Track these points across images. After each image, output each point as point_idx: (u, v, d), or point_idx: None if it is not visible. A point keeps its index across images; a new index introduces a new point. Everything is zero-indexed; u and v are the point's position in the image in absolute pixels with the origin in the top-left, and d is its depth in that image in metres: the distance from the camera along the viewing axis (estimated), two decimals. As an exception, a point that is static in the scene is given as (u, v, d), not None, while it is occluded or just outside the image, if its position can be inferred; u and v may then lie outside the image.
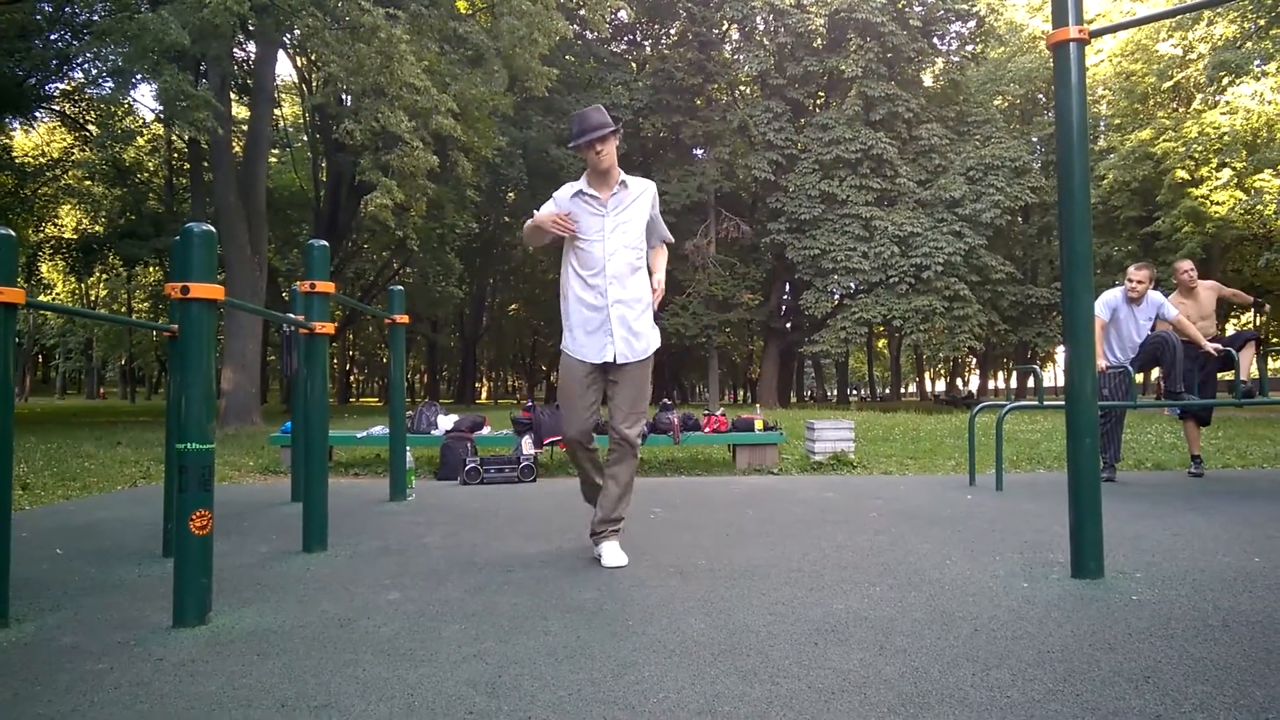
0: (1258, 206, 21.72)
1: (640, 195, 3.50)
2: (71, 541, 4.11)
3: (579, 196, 3.47)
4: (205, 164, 17.71)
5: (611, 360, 3.42)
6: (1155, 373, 6.94)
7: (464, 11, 18.99)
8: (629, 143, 27.39)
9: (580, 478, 3.77)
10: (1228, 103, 22.81)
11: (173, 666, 2.25)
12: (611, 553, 3.48)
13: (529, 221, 3.50)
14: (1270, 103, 21.47)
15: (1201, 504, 4.99)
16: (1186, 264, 6.76)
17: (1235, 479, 6.34)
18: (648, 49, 31.13)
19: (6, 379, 2.63)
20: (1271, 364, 34.10)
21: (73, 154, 25.16)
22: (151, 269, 31.58)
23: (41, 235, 26.75)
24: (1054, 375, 53.06)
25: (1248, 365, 6.28)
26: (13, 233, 2.68)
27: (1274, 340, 26.03)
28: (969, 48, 30.61)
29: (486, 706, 1.94)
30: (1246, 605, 2.72)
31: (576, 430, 3.49)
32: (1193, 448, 6.69)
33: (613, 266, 3.42)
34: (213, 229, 2.83)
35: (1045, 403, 6.27)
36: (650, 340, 3.52)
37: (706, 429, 7.49)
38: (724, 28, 29.30)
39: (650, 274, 3.58)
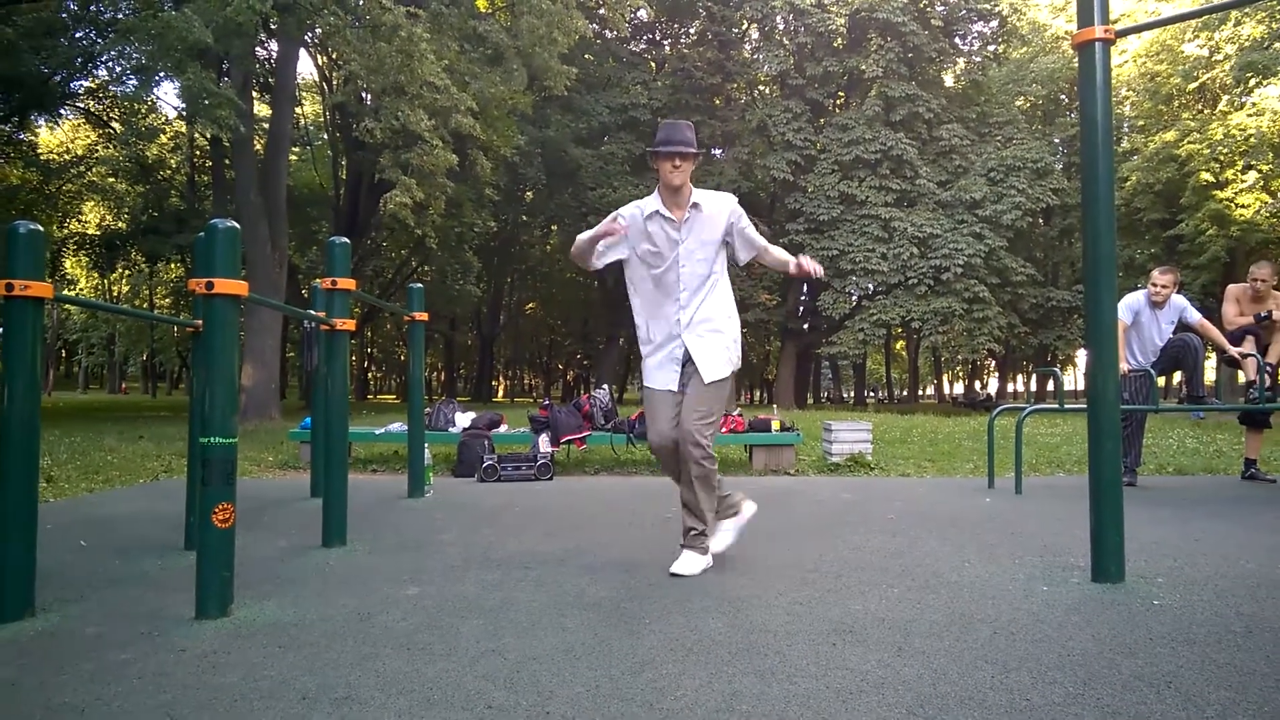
0: (1283, 209, 21.48)
1: (715, 213, 3.37)
2: (95, 534, 4.16)
3: (654, 218, 3.34)
4: (227, 161, 17.84)
5: (677, 389, 3.36)
6: (1177, 377, 6.84)
7: (484, 10, 19.07)
8: (645, 142, 27.38)
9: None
10: (1254, 104, 22.54)
11: (194, 658, 2.28)
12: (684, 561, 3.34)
13: (580, 237, 3.37)
14: (1297, 104, 21.23)
15: (1224, 510, 4.94)
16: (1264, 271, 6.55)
17: (1257, 485, 6.27)
18: (667, 48, 31.12)
19: (34, 373, 2.66)
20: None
21: (96, 151, 25.42)
22: (173, 265, 31.91)
23: (65, 231, 27.04)
24: (1074, 378, 52.71)
25: (1253, 363, 6.18)
26: (40, 227, 2.72)
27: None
28: (991, 48, 30.43)
29: (504, 701, 1.95)
30: (1270, 612, 2.69)
31: (660, 436, 3.35)
32: (1248, 451, 6.63)
33: (687, 292, 3.35)
34: (236, 225, 2.85)
35: (1065, 406, 6.23)
36: (724, 367, 3.37)
37: (723, 430, 7.48)
38: (744, 27, 29.26)
39: (770, 263, 3.50)
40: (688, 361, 3.37)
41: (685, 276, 3.35)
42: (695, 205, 3.34)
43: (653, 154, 3.31)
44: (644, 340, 3.46)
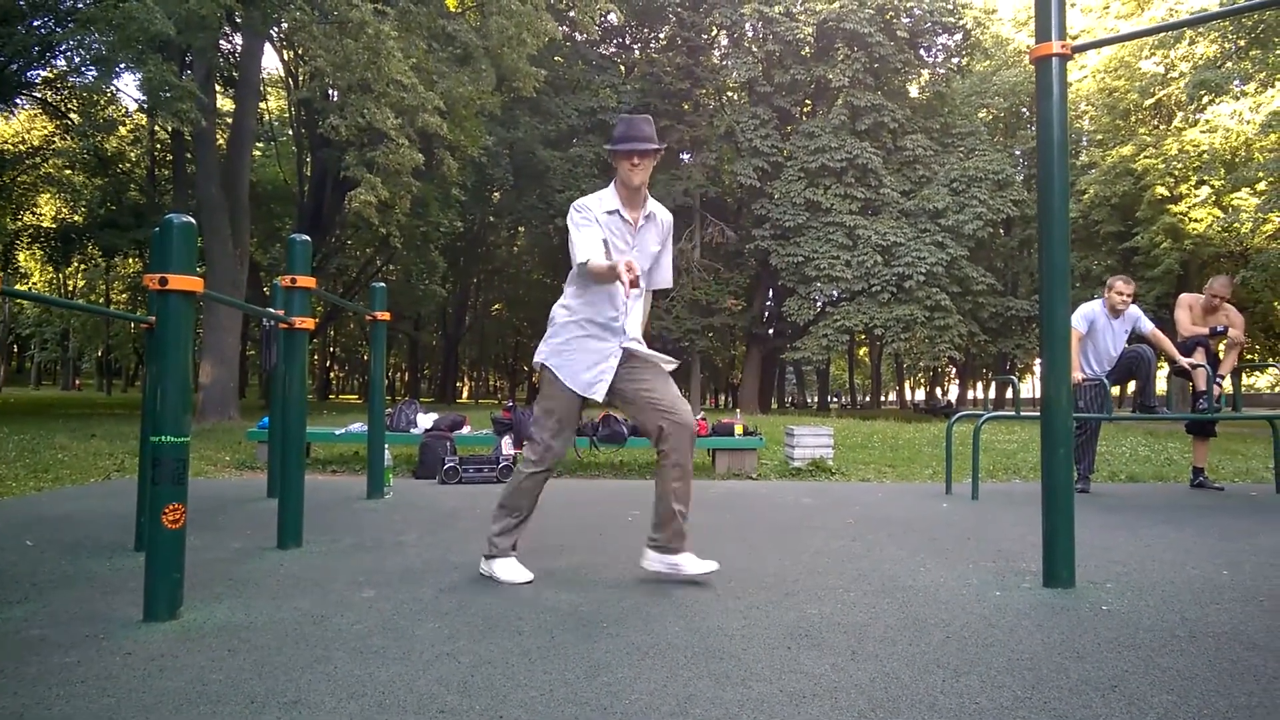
0: (1234, 224, 22.02)
1: (658, 226, 3.27)
2: (42, 534, 4.06)
3: (614, 215, 3.16)
4: (188, 155, 17.56)
5: (599, 399, 3.17)
6: (1130, 386, 6.98)
7: (453, 9, 18.96)
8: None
9: (519, 498, 3.22)
10: (1207, 121, 23.12)
11: (141, 661, 2.23)
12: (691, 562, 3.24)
13: (597, 264, 2.95)
14: (1248, 122, 21.78)
15: (1173, 517, 5.04)
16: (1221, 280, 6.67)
17: (1206, 493, 6.41)
18: (636, 52, 31.18)
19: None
20: (1245, 379, 34.52)
21: (53, 142, 24.88)
22: (131, 260, 31.35)
23: (19, 224, 26.45)
24: (1032, 386, 53.56)
25: (1202, 374, 6.31)
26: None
27: (1248, 357, 26.38)
28: (955, 60, 30.85)
29: (458, 705, 1.94)
30: (1213, 617, 2.75)
31: (555, 454, 3.18)
32: (1196, 460, 6.77)
33: (633, 300, 3.19)
34: (193, 220, 2.81)
35: (1022, 413, 6.33)
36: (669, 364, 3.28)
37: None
38: (713, 33, 29.39)
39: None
40: (623, 365, 3.17)
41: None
42: (650, 215, 3.22)
43: (611, 152, 3.13)
44: (563, 333, 3.17)
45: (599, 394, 3.14)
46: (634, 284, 2.80)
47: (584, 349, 3.15)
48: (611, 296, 3.15)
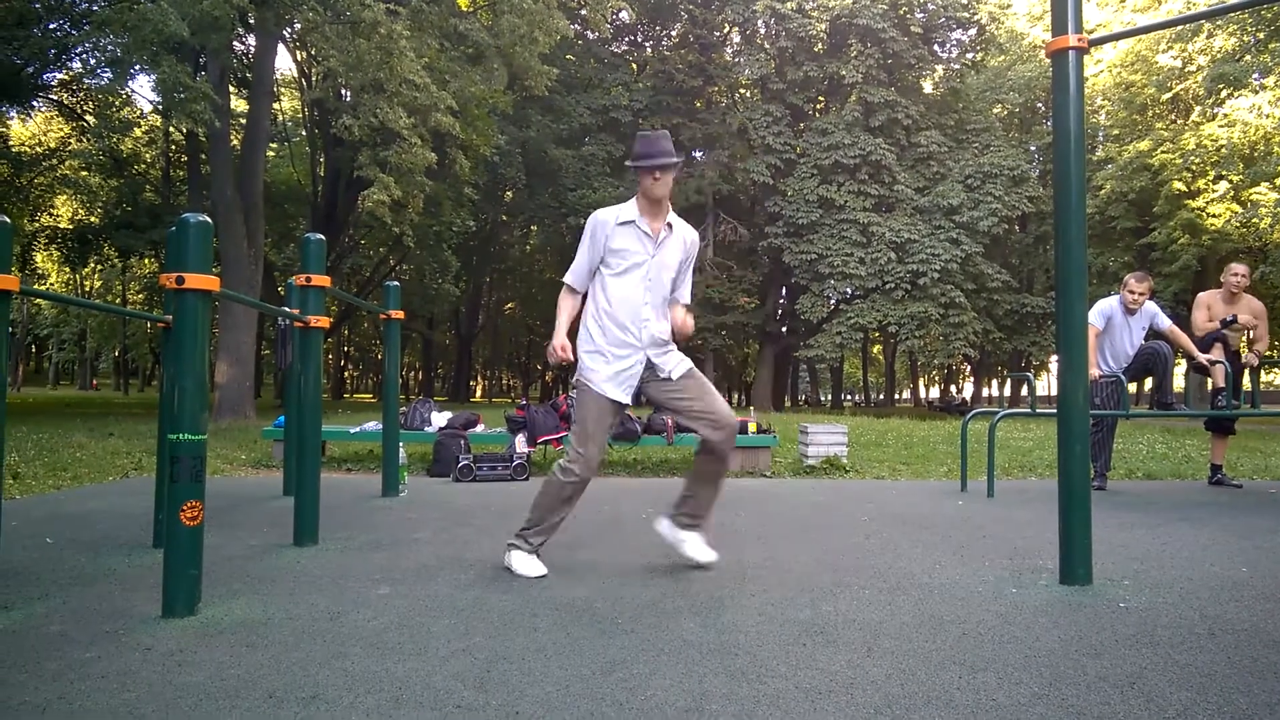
0: (1254, 220, 21.78)
1: (684, 238, 3.39)
2: (62, 531, 4.10)
3: (629, 227, 3.29)
4: (203, 156, 17.65)
5: (626, 401, 3.30)
6: (1148, 383, 6.91)
7: (465, 8, 18.98)
8: (626, 144, 27.37)
9: (555, 502, 3.34)
10: (1226, 115, 22.86)
11: (160, 656, 2.25)
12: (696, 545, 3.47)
13: (561, 317, 3.37)
14: (1268, 116, 21.53)
15: (1191, 514, 5.00)
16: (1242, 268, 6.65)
17: (1224, 490, 6.36)
18: (648, 50, 31.12)
19: (0, 368, 2.62)
20: (1265, 376, 34.21)
21: (69, 144, 25.11)
22: (147, 261, 31.58)
23: (37, 225, 26.70)
24: (1048, 384, 53.26)
25: (1221, 370, 6.24)
26: (7, 220, 2.68)
27: (1268, 354, 26.13)
28: (969, 55, 30.66)
29: (474, 701, 1.94)
30: (1232, 614, 2.73)
31: (591, 463, 3.26)
32: (1214, 457, 6.72)
33: (651, 307, 3.30)
34: (208, 220, 2.83)
35: (1038, 410, 6.29)
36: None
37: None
38: (725, 30, 29.31)
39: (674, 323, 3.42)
40: (647, 373, 3.32)
41: (654, 289, 3.30)
42: (670, 225, 3.34)
43: (634, 168, 3.24)
44: (593, 348, 3.31)
45: (625, 397, 3.29)
46: (561, 362, 3.27)
47: (609, 355, 3.29)
48: (629, 307, 3.30)
